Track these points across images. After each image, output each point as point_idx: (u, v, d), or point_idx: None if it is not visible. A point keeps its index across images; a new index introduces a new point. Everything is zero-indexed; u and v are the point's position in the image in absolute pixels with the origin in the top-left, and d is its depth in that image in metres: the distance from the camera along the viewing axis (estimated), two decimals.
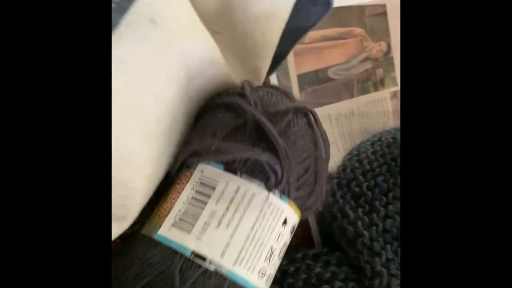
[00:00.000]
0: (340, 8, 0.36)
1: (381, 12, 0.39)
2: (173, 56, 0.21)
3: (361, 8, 0.37)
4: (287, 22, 0.28)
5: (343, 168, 0.33)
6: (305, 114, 0.26)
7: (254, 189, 0.23)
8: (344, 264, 0.29)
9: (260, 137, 0.23)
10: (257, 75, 0.29)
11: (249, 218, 0.22)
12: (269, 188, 0.23)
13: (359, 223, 0.29)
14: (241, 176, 0.23)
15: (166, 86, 0.21)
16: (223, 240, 0.22)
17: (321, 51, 0.36)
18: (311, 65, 0.35)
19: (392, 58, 0.40)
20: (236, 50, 0.28)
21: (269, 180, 0.23)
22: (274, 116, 0.24)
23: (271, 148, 0.23)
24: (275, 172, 0.23)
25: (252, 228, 0.22)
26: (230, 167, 0.23)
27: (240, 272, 0.22)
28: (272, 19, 0.27)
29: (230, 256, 0.22)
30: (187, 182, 0.24)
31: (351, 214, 0.30)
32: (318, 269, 0.29)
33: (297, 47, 0.35)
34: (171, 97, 0.22)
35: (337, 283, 0.28)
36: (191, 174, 0.24)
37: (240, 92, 0.26)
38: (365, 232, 0.29)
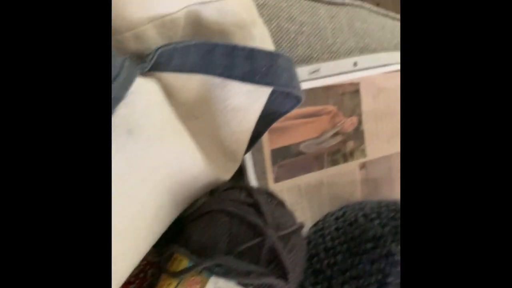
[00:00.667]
0: (316, 89, 0.39)
1: (354, 90, 0.41)
2: (147, 161, 0.23)
3: (336, 88, 0.40)
4: (262, 108, 0.31)
5: (308, 241, 0.36)
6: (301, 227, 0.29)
7: None
8: None
9: (272, 258, 0.27)
10: (235, 157, 0.32)
11: None
12: None
13: None
14: None
15: (140, 187, 0.23)
16: None
17: (295, 128, 0.38)
18: (284, 140, 0.38)
19: (362, 131, 0.42)
20: (215, 135, 0.31)
21: None
22: (288, 237, 0.27)
23: (280, 267, 0.27)
24: None
25: None
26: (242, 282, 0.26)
27: None
28: (248, 110, 0.30)
29: None
30: None
31: None
32: None
33: (272, 125, 0.37)
34: (144, 197, 0.24)
35: None
36: (204, 284, 0.25)
37: (249, 202, 0.28)
38: None
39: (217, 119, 0.30)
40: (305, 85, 0.38)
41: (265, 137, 0.36)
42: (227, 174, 0.30)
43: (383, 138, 0.44)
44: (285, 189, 0.38)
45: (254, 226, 0.27)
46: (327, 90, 0.40)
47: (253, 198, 0.29)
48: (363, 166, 0.43)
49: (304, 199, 0.40)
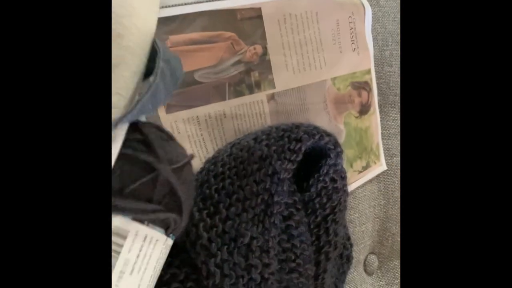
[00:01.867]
0: (209, 12, 0.37)
1: (254, 16, 0.39)
2: None
3: (231, 12, 0.38)
4: None
5: (201, 170, 0.34)
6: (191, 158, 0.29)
7: (157, 236, 0.26)
8: (187, 265, 0.30)
9: (166, 193, 0.26)
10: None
11: (153, 261, 0.26)
12: (168, 234, 0.27)
13: (201, 224, 0.30)
14: (147, 225, 0.26)
15: None
16: (135, 283, 0.25)
17: (185, 55, 0.36)
18: None
19: (269, 61, 0.41)
20: None
21: (169, 227, 0.27)
22: (180, 170, 0.27)
23: (174, 200, 0.26)
24: (175, 222, 0.27)
25: (154, 268, 0.26)
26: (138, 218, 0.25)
27: None
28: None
29: None
30: None
31: (196, 215, 0.31)
32: None
33: None
34: None
35: (175, 284, 0.29)
36: None
37: (139, 138, 0.27)
38: (204, 234, 0.30)
39: None
40: (199, 8, 0.36)
41: None
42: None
43: (293, 69, 0.42)
44: (180, 120, 0.37)
45: (146, 163, 0.26)
46: (224, 14, 0.37)
47: (143, 135, 0.28)
48: (271, 97, 0.41)
49: (204, 131, 0.38)
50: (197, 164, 0.36)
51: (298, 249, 0.32)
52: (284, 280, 0.31)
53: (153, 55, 0.26)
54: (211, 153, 0.38)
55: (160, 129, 0.29)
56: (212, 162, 0.34)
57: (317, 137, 0.31)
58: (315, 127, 0.32)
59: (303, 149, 0.31)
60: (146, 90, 0.24)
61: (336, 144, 0.32)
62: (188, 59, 0.36)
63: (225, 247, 0.29)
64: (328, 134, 0.32)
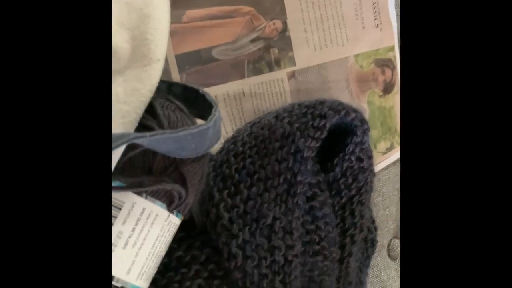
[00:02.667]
0: None
1: None
2: None
3: None
4: None
5: (220, 150, 0.33)
6: None
7: (157, 210, 0.25)
8: (207, 247, 0.29)
9: (170, 163, 0.25)
10: None
11: (152, 238, 0.25)
12: (171, 210, 0.25)
13: (222, 205, 0.29)
14: (146, 198, 0.24)
15: None
16: (129, 259, 0.24)
17: (202, 31, 0.35)
18: (191, 45, 0.34)
19: (289, 38, 0.39)
20: None
21: (173, 203, 0.25)
22: None
23: (179, 173, 0.25)
24: (180, 196, 0.25)
25: (153, 246, 0.25)
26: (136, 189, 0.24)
27: (141, 284, 0.25)
28: None
29: (135, 272, 0.24)
30: None
31: (217, 196, 0.30)
32: (179, 253, 0.29)
33: (175, 26, 0.34)
34: None
35: (195, 266, 0.28)
36: None
37: (147, 108, 0.26)
38: (225, 214, 0.29)
39: None
40: None
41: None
42: None
43: (315, 46, 0.40)
44: None
45: (148, 130, 0.25)
46: None
47: (150, 103, 0.27)
48: (292, 75, 0.39)
49: (222, 110, 0.37)
50: (216, 145, 0.35)
51: (322, 231, 0.30)
52: (308, 263, 0.30)
53: (204, 107, 0.26)
54: (230, 134, 0.36)
55: (169, 99, 0.28)
56: (232, 141, 0.32)
57: (342, 113, 0.30)
58: (340, 103, 0.31)
59: (327, 126, 0.29)
60: (194, 127, 0.23)
61: (363, 120, 0.30)
62: (205, 35, 0.35)
63: (247, 228, 0.28)
64: (355, 110, 0.30)
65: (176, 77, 0.34)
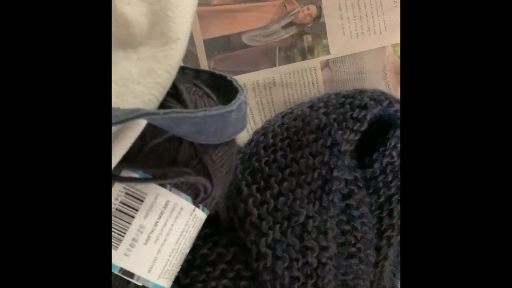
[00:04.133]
0: None
1: None
2: None
3: None
4: None
5: (249, 142, 0.31)
6: None
7: (182, 204, 0.23)
8: (235, 245, 0.27)
9: (194, 154, 0.23)
10: None
11: (176, 233, 0.23)
12: (196, 203, 0.23)
13: (251, 200, 0.27)
14: (170, 189, 0.22)
15: None
16: (151, 256, 0.22)
17: (232, 15, 0.33)
18: (220, 29, 0.32)
19: (323, 24, 0.36)
20: None
21: (198, 196, 0.23)
22: None
23: (203, 165, 0.23)
24: (206, 189, 0.23)
25: (177, 242, 0.23)
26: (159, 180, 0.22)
27: (163, 283, 0.23)
28: None
29: (156, 270, 0.22)
30: None
31: (245, 190, 0.27)
32: (204, 250, 0.27)
33: (203, 9, 0.32)
34: None
35: (221, 266, 0.26)
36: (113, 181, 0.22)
37: (171, 92, 0.24)
38: (254, 210, 0.26)
39: None
40: None
41: (195, 25, 0.31)
42: None
43: (351, 34, 0.38)
44: None
45: None
46: None
47: (175, 89, 0.25)
48: (326, 64, 0.37)
49: (251, 100, 0.34)
50: (244, 136, 0.33)
51: (359, 232, 0.28)
52: (343, 266, 0.28)
53: (232, 94, 0.24)
54: (259, 125, 0.34)
55: (197, 85, 0.26)
56: (262, 133, 0.30)
57: (385, 103, 0.27)
58: (383, 93, 0.28)
59: (368, 117, 0.27)
60: (215, 109, 0.21)
61: None
62: (236, 19, 0.33)
63: (278, 226, 0.26)
64: (398, 101, 0.28)
65: (204, 63, 0.32)
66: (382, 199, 0.30)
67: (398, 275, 0.37)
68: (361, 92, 0.28)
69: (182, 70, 0.28)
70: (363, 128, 0.27)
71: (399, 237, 0.32)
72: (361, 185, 0.29)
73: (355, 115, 0.27)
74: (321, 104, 0.29)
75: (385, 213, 0.30)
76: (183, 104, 0.25)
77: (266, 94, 0.35)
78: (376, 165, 0.29)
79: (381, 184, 0.29)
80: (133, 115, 0.18)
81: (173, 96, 0.24)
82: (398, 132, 0.28)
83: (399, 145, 0.28)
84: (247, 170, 0.29)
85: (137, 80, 0.22)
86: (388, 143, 0.28)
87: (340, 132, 0.27)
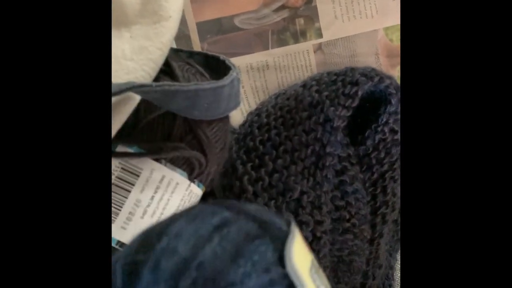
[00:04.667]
0: None
1: None
2: None
3: None
4: None
5: (243, 123, 0.31)
6: None
7: (177, 179, 0.23)
8: None
9: (188, 129, 0.23)
10: None
11: (172, 207, 0.23)
12: (192, 179, 0.24)
13: (245, 178, 0.27)
14: (165, 165, 0.23)
15: None
16: None
17: None
18: (212, 12, 0.33)
19: (315, 8, 0.37)
20: None
21: (193, 171, 0.24)
22: None
23: (198, 140, 0.23)
24: (200, 165, 0.24)
25: None
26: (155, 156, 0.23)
27: None
28: None
29: None
30: None
31: (240, 169, 0.28)
32: None
33: None
34: None
35: None
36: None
37: (164, 69, 0.24)
38: (250, 187, 0.27)
39: None
40: None
41: (187, 7, 0.31)
42: None
43: (342, 17, 0.38)
44: None
45: None
46: None
47: (168, 66, 0.25)
48: (318, 47, 0.37)
49: (245, 83, 0.35)
50: (238, 118, 0.33)
51: (353, 208, 0.28)
52: (338, 241, 0.28)
53: (225, 73, 0.24)
54: (253, 107, 0.35)
55: (190, 63, 0.26)
56: (256, 113, 0.31)
57: (376, 79, 0.27)
58: (373, 69, 0.29)
59: (359, 93, 0.27)
60: (207, 83, 0.21)
61: (398, 88, 0.28)
62: (228, 2, 0.33)
63: (273, 201, 0.26)
64: (389, 77, 0.28)
65: (197, 46, 0.32)
66: (375, 176, 0.30)
67: (395, 255, 0.38)
68: (352, 69, 0.29)
69: (176, 52, 0.28)
70: (354, 104, 0.27)
71: (393, 215, 0.32)
72: (354, 162, 0.29)
73: (346, 91, 0.27)
74: (314, 83, 0.29)
75: (378, 190, 0.30)
76: (176, 80, 0.25)
77: (260, 77, 0.35)
78: (369, 142, 0.29)
79: (374, 161, 0.30)
80: (125, 87, 0.18)
81: (166, 73, 0.24)
82: (389, 108, 0.28)
83: (391, 121, 0.29)
84: (242, 150, 0.29)
85: (130, 57, 0.23)
86: (379, 120, 0.29)
87: (332, 108, 0.27)
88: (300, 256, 0.13)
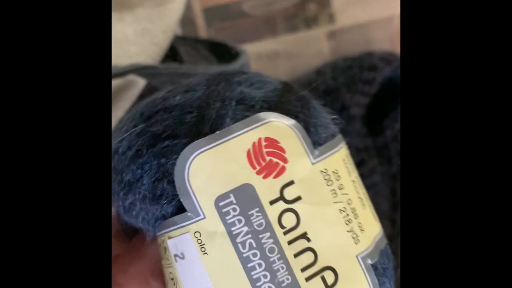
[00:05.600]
0: None
1: None
2: None
3: None
4: None
5: None
6: None
7: None
8: None
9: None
10: None
11: None
12: None
13: None
14: None
15: None
16: None
17: None
18: None
19: None
20: None
21: None
22: None
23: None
24: None
25: None
26: None
27: None
28: None
29: None
30: None
31: None
32: None
33: None
34: None
35: None
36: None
37: (168, 54, 0.23)
38: None
39: None
40: None
41: None
42: None
43: (357, 1, 0.36)
44: None
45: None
46: None
47: (173, 50, 0.24)
48: (331, 35, 0.35)
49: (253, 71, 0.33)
50: None
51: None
52: None
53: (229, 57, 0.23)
54: None
55: (197, 48, 0.25)
56: None
57: (395, 64, 0.25)
58: (392, 53, 0.27)
59: (378, 79, 0.25)
60: (216, 68, 0.20)
61: None
62: None
63: None
64: None
65: (203, 33, 0.31)
66: (394, 168, 0.28)
67: None
68: (370, 53, 0.27)
69: (182, 39, 0.26)
70: (373, 91, 0.25)
71: None
72: (372, 153, 0.27)
73: (364, 77, 0.25)
74: (328, 69, 0.27)
75: (398, 184, 0.28)
76: (181, 63, 0.23)
77: (269, 66, 0.33)
78: (388, 132, 0.27)
79: (393, 152, 0.28)
80: (129, 68, 0.17)
81: (173, 59, 0.23)
82: None
83: None
84: None
85: (133, 42, 0.21)
86: (398, 107, 0.27)
87: (349, 95, 0.25)
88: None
